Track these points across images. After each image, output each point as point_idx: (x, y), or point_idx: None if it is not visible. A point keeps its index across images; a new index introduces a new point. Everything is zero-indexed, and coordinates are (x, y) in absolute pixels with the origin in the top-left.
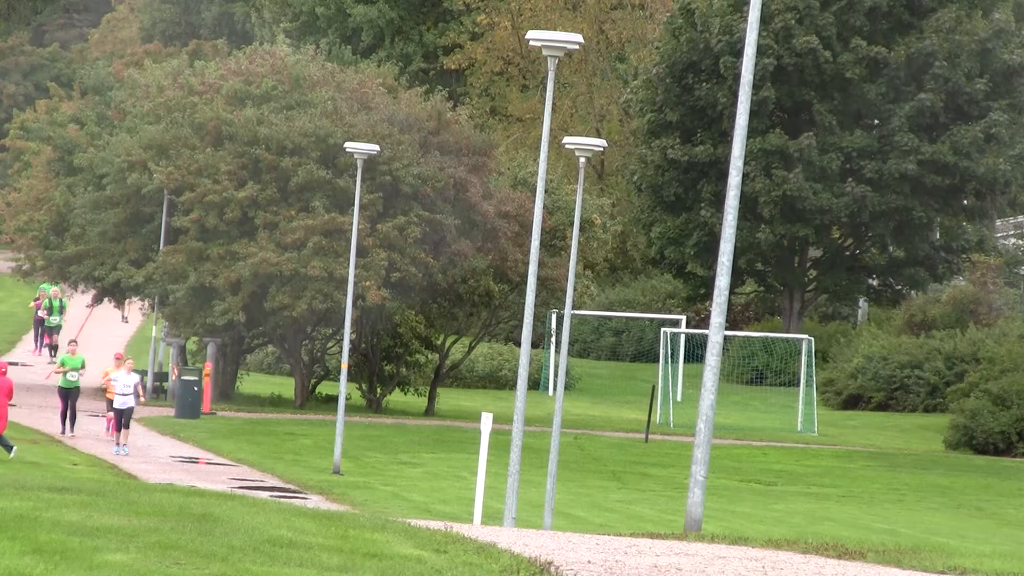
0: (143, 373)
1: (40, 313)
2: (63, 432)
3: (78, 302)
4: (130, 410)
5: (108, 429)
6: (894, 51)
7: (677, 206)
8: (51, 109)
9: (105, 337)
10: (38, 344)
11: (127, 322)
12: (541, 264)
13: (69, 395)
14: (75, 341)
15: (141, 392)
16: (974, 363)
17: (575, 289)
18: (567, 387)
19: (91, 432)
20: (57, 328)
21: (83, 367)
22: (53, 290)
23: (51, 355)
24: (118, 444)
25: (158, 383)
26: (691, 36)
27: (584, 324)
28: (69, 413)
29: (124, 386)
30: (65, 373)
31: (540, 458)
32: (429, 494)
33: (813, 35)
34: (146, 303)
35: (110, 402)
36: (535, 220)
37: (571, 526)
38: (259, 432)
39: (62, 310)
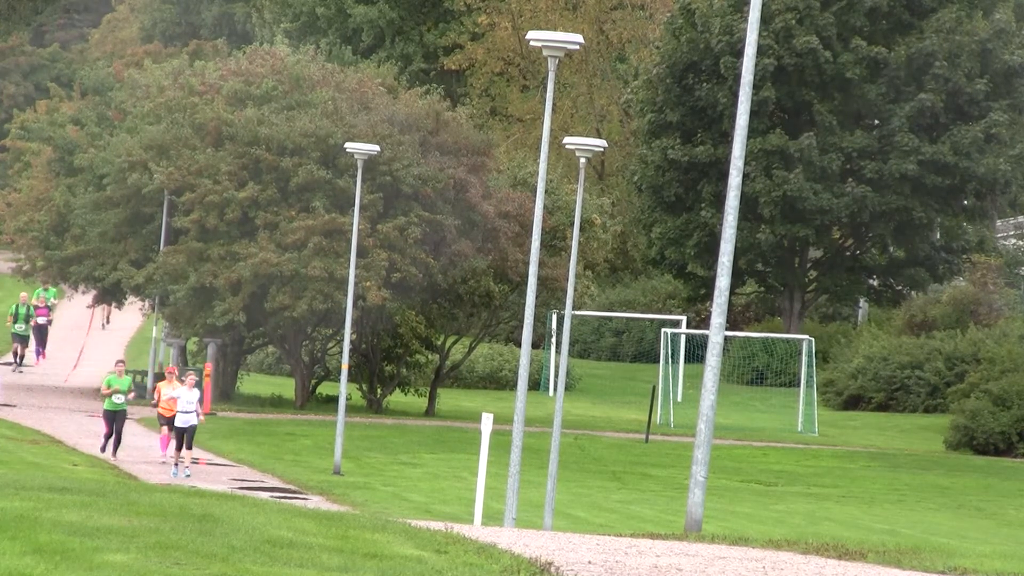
0: (143, 374)
1: (41, 319)
2: (103, 450)
3: (79, 302)
4: (192, 428)
5: (163, 447)
6: (894, 51)
7: (677, 206)
8: (51, 109)
9: (105, 338)
10: (38, 353)
11: (108, 324)
12: (541, 264)
13: (115, 418)
14: (123, 361)
15: (200, 409)
16: (974, 363)
17: (575, 289)
18: (567, 388)
19: (137, 453)
20: (25, 337)
21: (131, 389)
22: (23, 295)
23: (16, 363)
24: (176, 466)
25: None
26: (691, 36)
27: (584, 324)
28: (114, 437)
29: (187, 403)
30: (111, 395)
31: (540, 458)
32: (429, 494)
33: (813, 35)
34: (146, 303)
35: (162, 418)
36: (535, 220)
37: (571, 526)
38: (259, 432)
39: (28, 318)
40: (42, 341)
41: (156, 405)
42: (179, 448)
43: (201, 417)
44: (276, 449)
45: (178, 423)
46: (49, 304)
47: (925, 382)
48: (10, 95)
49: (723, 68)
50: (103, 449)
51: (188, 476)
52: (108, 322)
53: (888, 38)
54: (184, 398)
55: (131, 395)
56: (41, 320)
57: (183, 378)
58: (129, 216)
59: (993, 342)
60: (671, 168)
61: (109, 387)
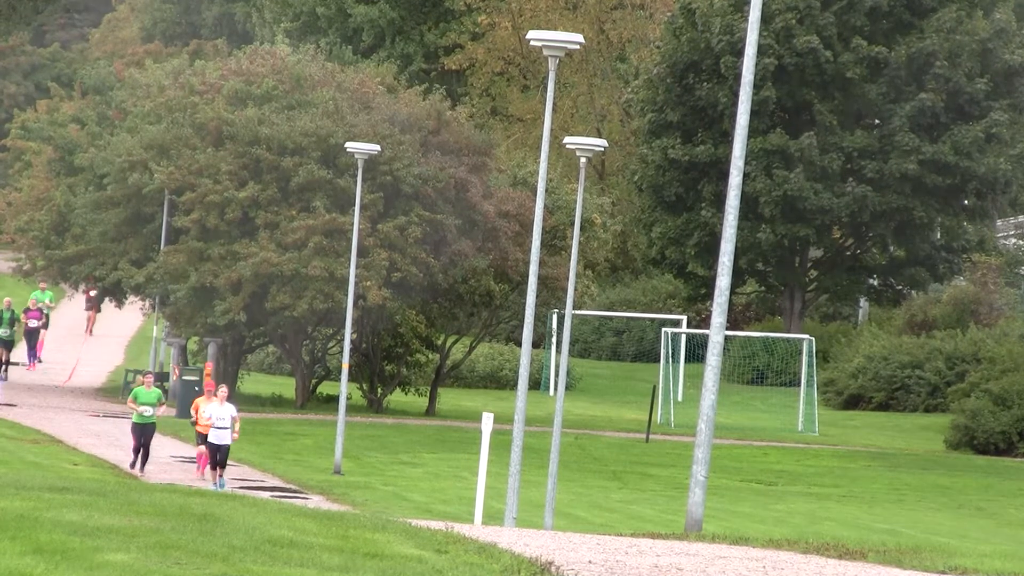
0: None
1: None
2: (132, 466)
3: (79, 303)
4: (226, 447)
5: (199, 467)
6: (895, 51)
7: (678, 206)
8: (52, 109)
9: (104, 338)
10: (31, 358)
11: (91, 336)
12: (541, 263)
13: (144, 432)
14: (151, 372)
15: (237, 427)
16: (975, 363)
17: (576, 289)
18: (568, 387)
19: (165, 469)
20: (9, 342)
21: (160, 402)
22: (7, 300)
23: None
24: (215, 483)
25: (159, 383)
26: (692, 36)
27: (585, 324)
28: (142, 451)
29: (220, 419)
30: (139, 409)
31: (541, 458)
32: (430, 494)
33: (814, 35)
34: (146, 303)
35: (200, 436)
36: (536, 219)
37: (572, 526)
38: (260, 432)
39: (12, 323)
40: (32, 346)
41: (195, 424)
42: (214, 467)
43: (235, 435)
44: (276, 449)
45: (211, 439)
46: (41, 307)
47: (925, 382)
48: (10, 95)
49: (723, 68)
50: (133, 465)
51: (223, 486)
52: (91, 334)
53: (888, 38)
54: (216, 415)
55: (161, 408)
56: (32, 324)
57: (216, 393)
58: (129, 216)
59: (993, 342)
60: (671, 168)
61: (136, 400)
